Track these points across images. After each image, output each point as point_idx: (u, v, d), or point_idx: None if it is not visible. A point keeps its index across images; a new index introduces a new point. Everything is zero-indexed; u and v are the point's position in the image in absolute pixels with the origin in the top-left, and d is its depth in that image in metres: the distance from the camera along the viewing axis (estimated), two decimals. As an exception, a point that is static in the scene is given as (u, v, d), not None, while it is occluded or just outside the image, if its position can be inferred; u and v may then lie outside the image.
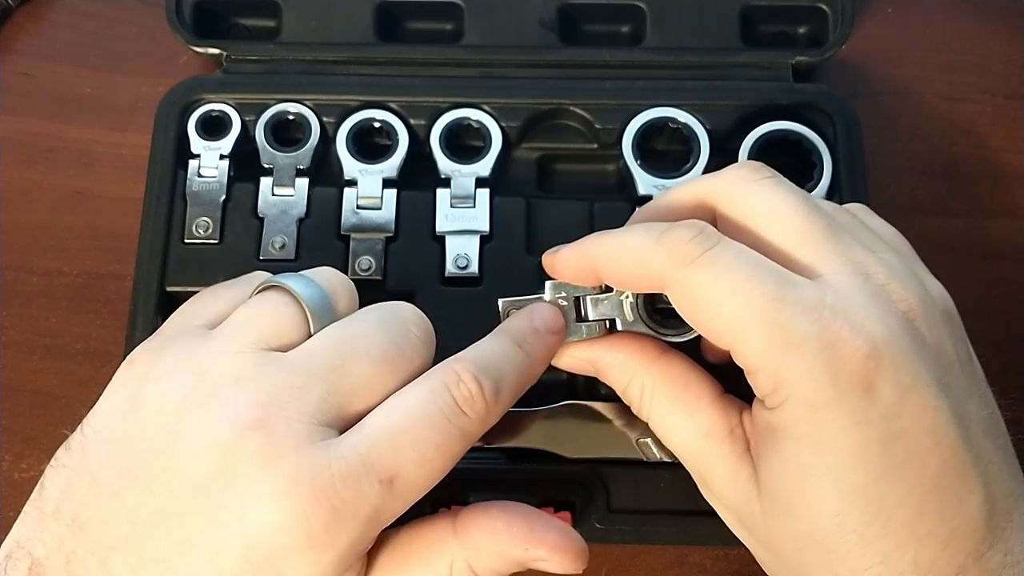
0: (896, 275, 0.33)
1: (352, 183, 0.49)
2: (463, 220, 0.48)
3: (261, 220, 0.49)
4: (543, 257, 0.39)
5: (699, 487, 0.37)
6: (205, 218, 0.48)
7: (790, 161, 0.50)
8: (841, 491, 0.30)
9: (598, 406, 0.45)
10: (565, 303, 0.38)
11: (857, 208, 0.38)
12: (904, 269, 0.33)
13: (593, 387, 0.46)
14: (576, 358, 0.38)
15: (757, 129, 0.49)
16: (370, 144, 0.51)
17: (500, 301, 0.39)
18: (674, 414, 0.36)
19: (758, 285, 0.31)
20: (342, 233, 0.48)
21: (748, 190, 0.35)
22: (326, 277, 0.36)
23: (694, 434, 0.35)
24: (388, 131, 0.50)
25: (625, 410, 0.44)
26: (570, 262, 0.37)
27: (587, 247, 0.37)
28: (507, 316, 0.38)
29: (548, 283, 0.38)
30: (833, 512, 0.30)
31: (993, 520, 0.30)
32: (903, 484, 0.30)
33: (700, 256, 0.32)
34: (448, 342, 0.46)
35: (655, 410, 0.36)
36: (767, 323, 0.31)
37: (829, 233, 0.33)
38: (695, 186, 0.37)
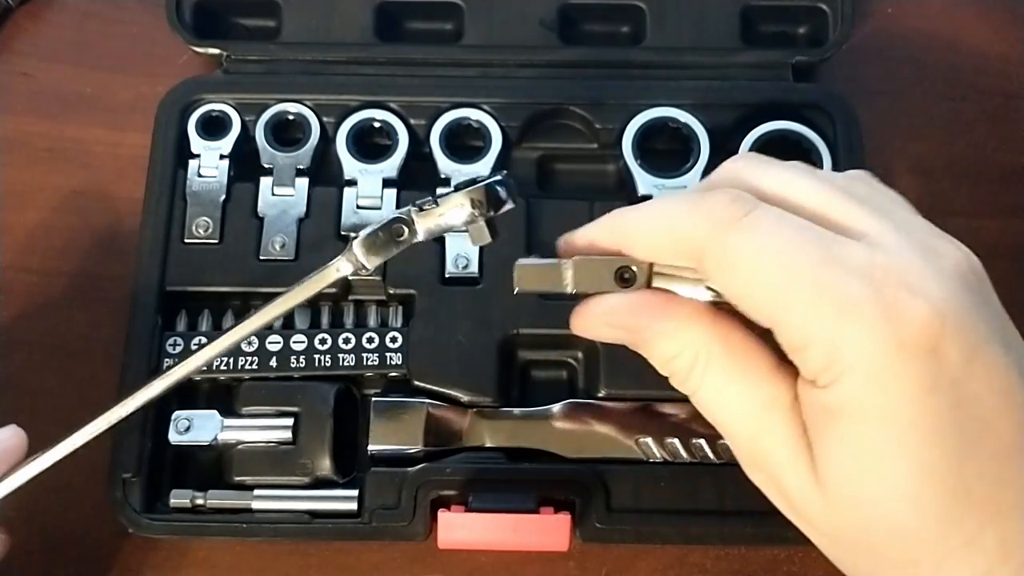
0: (933, 232, 0.30)
1: (352, 183, 0.49)
2: (463, 220, 0.48)
3: (261, 220, 0.49)
4: (559, 244, 0.35)
5: (748, 473, 0.33)
6: (205, 218, 0.48)
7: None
8: (916, 470, 0.27)
9: (598, 406, 0.45)
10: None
11: (861, 174, 0.35)
12: (931, 226, 0.31)
13: (593, 387, 0.46)
14: (611, 325, 0.33)
15: (757, 129, 0.49)
16: (370, 144, 0.51)
17: (518, 263, 0.34)
18: (732, 385, 0.31)
19: (804, 246, 0.29)
20: (342, 233, 0.48)
21: (757, 172, 0.33)
22: None
23: (754, 407, 0.31)
24: (388, 131, 0.50)
25: (625, 410, 0.45)
26: (592, 239, 0.33)
27: (611, 222, 0.33)
28: (520, 280, 0.33)
29: (574, 259, 0.33)
30: (910, 495, 0.28)
31: None
32: (981, 455, 0.27)
33: (740, 219, 0.29)
34: (447, 341, 0.46)
35: (708, 382, 0.32)
36: (817, 289, 0.28)
37: (854, 196, 0.31)
38: (697, 188, 0.35)
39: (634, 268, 0.32)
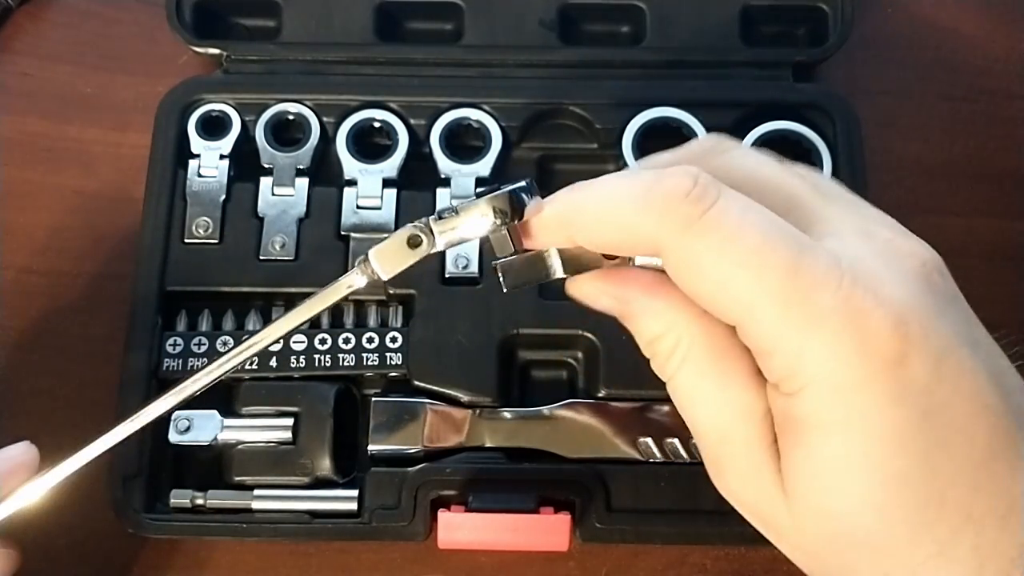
0: (897, 230, 0.30)
1: (352, 183, 0.49)
2: (463, 220, 0.48)
3: (261, 220, 0.49)
4: (529, 209, 0.32)
5: (712, 476, 0.32)
6: (205, 218, 0.48)
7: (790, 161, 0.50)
8: (883, 480, 0.27)
9: (598, 406, 0.45)
10: None
11: (818, 172, 0.33)
12: (889, 220, 0.30)
13: (593, 387, 0.46)
14: (602, 292, 0.32)
15: (757, 129, 0.49)
16: (370, 144, 0.51)
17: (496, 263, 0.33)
18: (707, 382, 0.30)
19: (771, 253, 0.27)
20: (342, 233, 0.48)
21: (723, 157, 0.32)
22: None
23: (724, 410, 0.30)
24: (388, 131, 0.50)
25: (625, 410, 0.45)
26: (545, 237, 0.32)
27: (560, 214, 0.31)
28: (506, 277, 0.33)
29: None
30: (877, 505, 0.27)
31: None
32: (952, 462, 0.27)
33: (700, 218, 0.27)
34: (447, 341, 0.46)
35: (685, 372, 0.30)
36: (783, 299, 0.27)
37: (821, 192, 0.30)
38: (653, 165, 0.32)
39: None
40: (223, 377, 0.34)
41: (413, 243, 0.32)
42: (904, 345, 0.27)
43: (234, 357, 0.34)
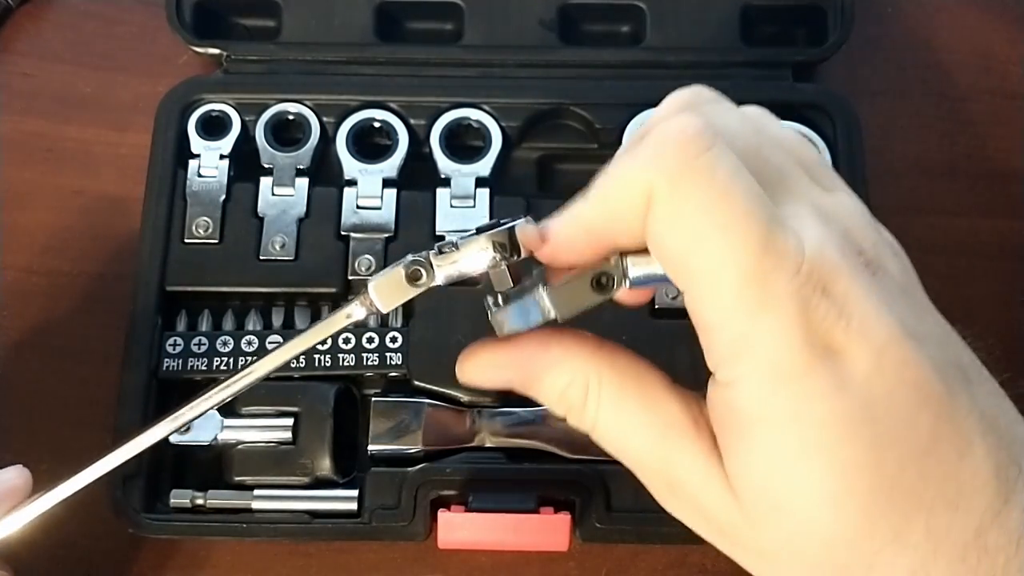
0: (852, 216, 0.29)
1: (352, 183, 0.49)
2: (463, 220, 0.48)
3: (261, 220, 0.49)
4: (527, 234, 0.32)
5: (664, 499, 0.32)
6: (205, 218, 0.48)
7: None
8: (837, 468, 0.27)
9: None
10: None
11: (799, 134, 0.33)
12: (854, 206, 0.30)
13: (593, 387, 0.46)
14: (499, 364, 0.33)
15: (757, 129, 0.49)
16: (370, 144, 0.51)
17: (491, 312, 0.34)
18: (628, 410, 0.31)
19: (749, 224, 0.27)
20: (342, 233, 0.48)
21: (709, 110, 0.31)
22: None
23: (655, 430, 0.30)
24: (388, 131, 0.51)
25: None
26: (564, 235, 0.32)
27: (573, 206, 0.32)
28: (502, 326, 0.33)
29: (547, 288, 0.32)
30: (832, 495, 0.27)
31: (1003, 472, 0.27)
32: (899, 448, 0.27)
33: (696, 158, 0.27)
34: (447, 341, 0.46)
35: (606, 409, 0.31)
36: (746, 274, 0.27)
37: (799, 161, 0.30)
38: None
39: (610, 272, 0.31)
40: (221, 404, 0.34)
41: (413, 277, 0.32)
42: (845, 336, 0.27)
43: (231, 385, 0.34)
